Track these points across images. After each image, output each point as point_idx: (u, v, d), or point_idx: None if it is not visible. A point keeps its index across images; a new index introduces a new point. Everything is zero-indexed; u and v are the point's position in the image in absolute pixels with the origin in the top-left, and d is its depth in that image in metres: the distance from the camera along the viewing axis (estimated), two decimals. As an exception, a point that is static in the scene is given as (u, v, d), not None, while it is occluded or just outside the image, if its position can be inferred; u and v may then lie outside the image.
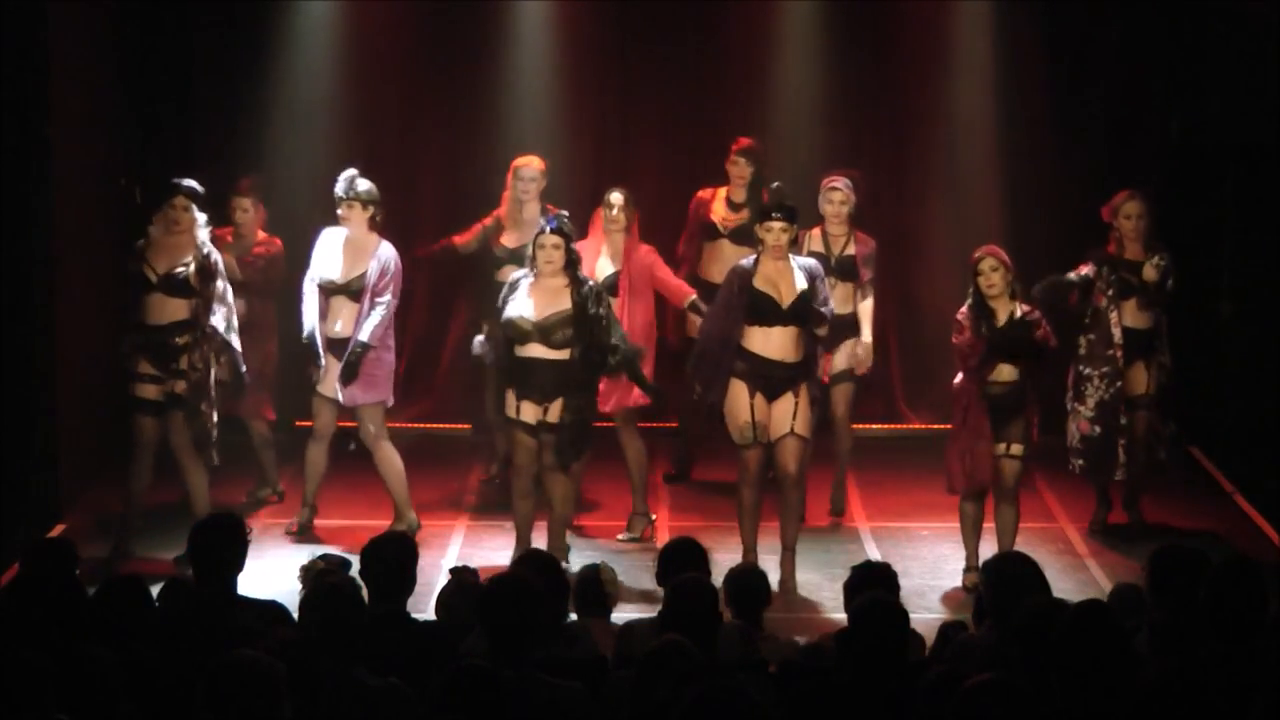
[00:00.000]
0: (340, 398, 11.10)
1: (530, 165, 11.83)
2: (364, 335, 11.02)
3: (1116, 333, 11.31)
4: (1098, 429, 11.33)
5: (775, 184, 11.06)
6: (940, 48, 13.47)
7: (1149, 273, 11.30)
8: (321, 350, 11.08)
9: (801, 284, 10.37)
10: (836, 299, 11.11)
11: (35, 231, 11.10)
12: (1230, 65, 12.80)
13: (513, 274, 10.61)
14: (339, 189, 11.15)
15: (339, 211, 11.16)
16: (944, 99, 13.51)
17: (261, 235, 11.82)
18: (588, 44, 13.58)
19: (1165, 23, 13.28)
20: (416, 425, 13.40)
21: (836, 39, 13.46)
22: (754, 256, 10.48)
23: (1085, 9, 13.34)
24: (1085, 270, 11.31)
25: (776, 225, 10.32)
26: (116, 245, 11.46)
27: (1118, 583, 8.36)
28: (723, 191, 12.14)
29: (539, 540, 10.47)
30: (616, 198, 11.36)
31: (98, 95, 12.46)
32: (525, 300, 10.38)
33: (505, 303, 10.45)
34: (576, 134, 13.53)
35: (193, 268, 10.73)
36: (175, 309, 10.78)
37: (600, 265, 11.35)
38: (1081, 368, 11.35)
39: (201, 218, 10.85)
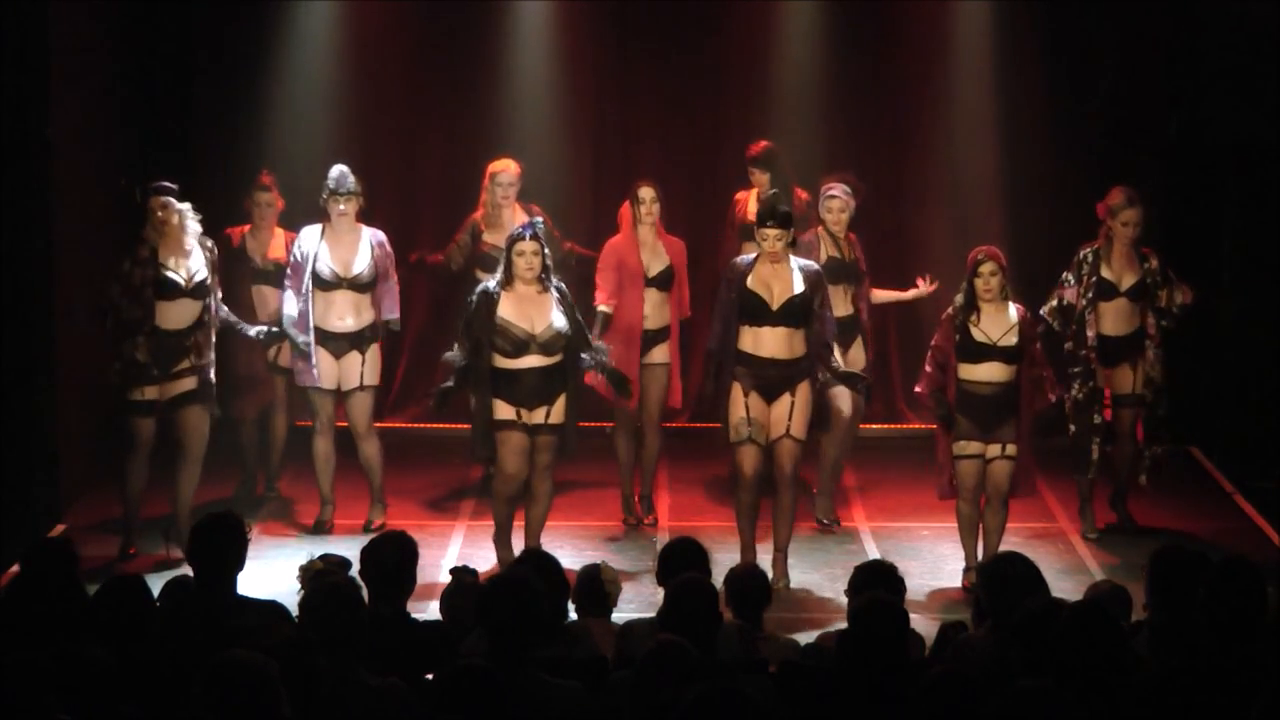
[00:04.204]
0: (357, 383, 11.25)
1: (507, 170, 11.89)
2: (396, 313, 11.37)
3: (1090, 334, 11.31)
4: (1072, 429, 11.35)
5: (772, 190, 11.11)
6: (940, 48, 13.47)
7: (1179, 297, 11.32)
8: (312, 342, 11.13)
9: (799, 287, 10.36)
10: (838, 301, 11.10)
11: (35, 232, 11.09)
12: (1230, 65, 12.79)
13: (483, 284, 10.51)
14: (337, 185, 11.16)
15: (339, 207, 11.18)
16: (944, 99, 13.51)
17: (278, 229, 11.83)
18: (588, 44, 13.59)
19: (1165, 23, 13.29)
20: (416, 425, 13.41)
21: (837, 39, 13.46)
22: (754, 255, 10.50)
23: (1085, 9, 13.33)
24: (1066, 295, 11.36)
25: (771, 233, 10.33)
26: (116, 245, 11.44)
27: (1096, 582, 8.32)
28: (754, 192, 12.13)
29: (517, 540, 10.50)
30: (647, 192, 11.48)
31: (98, 95, 12.46)
32: (512, 311, 10.29)
33: (484, 314, 10.29)
34: (576, 133, 13.54)
35: (206, 259, 10.82)
36: (194, 311, 10.83)
37: (645, 260, 11.50)
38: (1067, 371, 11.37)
39: (185, 207, 10.86)
